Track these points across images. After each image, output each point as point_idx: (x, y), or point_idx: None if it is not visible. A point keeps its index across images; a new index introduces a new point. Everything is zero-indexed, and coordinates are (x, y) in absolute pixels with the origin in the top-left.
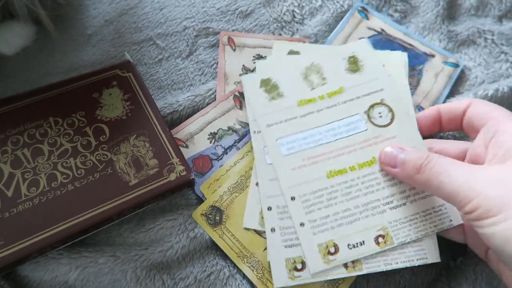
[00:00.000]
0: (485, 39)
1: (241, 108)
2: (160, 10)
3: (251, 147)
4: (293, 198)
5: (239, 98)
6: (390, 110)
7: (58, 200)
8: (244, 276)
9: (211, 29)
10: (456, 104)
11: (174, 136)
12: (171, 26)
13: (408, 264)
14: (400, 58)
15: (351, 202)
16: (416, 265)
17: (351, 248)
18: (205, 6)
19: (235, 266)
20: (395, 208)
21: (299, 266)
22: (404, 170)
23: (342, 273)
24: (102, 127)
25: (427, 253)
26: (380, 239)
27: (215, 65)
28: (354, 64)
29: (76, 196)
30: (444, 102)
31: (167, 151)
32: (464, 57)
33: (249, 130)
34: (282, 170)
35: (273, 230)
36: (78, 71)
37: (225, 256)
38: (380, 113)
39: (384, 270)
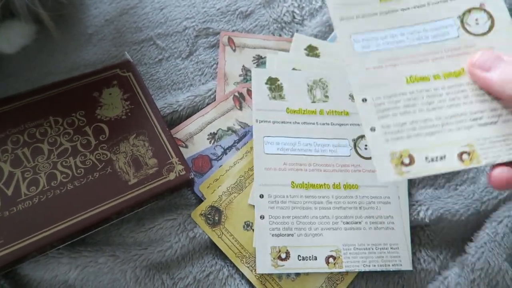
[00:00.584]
0: None
1: (240, 108)
2: (161, 10)
3: (251, 147)
4: (364, 100)
5: (239, 99)
6: (490, 17)
7: (58, 199)
8: (243, 276)
9: (211, 30)
10: None
11: (173, 136)
12: (171, 26)
13: (384, 268)
14: None
15: (432, 113)
16: (391, 270)
17: (429, 162)
18: (205, 6)
19: (234, 266)
20: (485, 126)
21: (283, 256)
22: (503, 73)
23: (323, 268)
24: (102, 126)
25: (402, 261)
26: (465, 156)
27: (215, 65)
28: None
29: (76, 195)
30: None
31: (166, 151)
32: None
33: (248, 130)
34: (353, 69)
35: (262, 217)
36: (79, 71)
37: (224, 256)
38: (477, 19)
39: (362, 270)
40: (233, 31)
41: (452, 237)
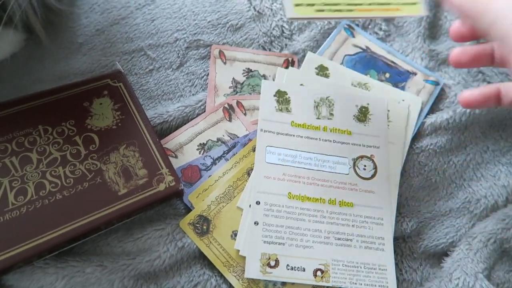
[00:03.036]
0: None
1: (230, 120)
2: (152, 21)
3: (240, 158)
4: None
5: (229, 110)
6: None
7: (46, 209)
8: (230, 286)
9: (201, 42)
10: None
11: (163, 146)
12: (162, 37)
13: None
14: (415, 103)
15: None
16: None
17: (289, 270)
18: (196, 18)
19: (221, 276)
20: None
21: (272, 263)
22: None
23: (310, 280)
24: (92, 136)
25: (389, 283)
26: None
27: (205, 76)
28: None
29: (65, 205)
30: (424, 118)
31: (156, 162)
32: (444, 75)
33: (237, 141)
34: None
35: (256, 223)
36: (68, 79)
37: (212, 266)
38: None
39: (348, 287)
40: (224, 43)
41: (431, 249)
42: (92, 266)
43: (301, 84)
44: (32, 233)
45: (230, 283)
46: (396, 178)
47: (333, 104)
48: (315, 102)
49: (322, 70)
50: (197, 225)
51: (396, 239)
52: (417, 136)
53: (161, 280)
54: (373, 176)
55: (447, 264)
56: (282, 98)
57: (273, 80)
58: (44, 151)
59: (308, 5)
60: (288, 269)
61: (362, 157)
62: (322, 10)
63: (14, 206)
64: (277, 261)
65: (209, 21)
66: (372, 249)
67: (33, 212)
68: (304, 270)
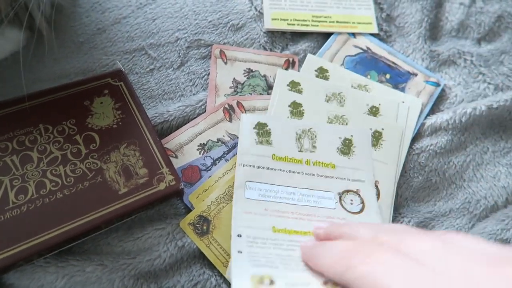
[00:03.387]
0: (465, 60)
1: (230, 120)
2: (153, 20)
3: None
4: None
5: (229, 111)
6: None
7: (47, 208)
8: (230, 286)
9: (202, 41)
10: None
11: (164, 146)
12: (163, 37)
13: None
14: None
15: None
16: None
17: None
18: (197, 18)
19: (221, 275)
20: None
21: (266, 282)
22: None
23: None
24: (93, 135)
25: None
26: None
27: (206, 76)
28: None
29: (65, 204)
30: (424, 119)
31: (157, 161)
32: (445, 76)
33: (237, 142)
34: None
35: (240, 252)
36: (69, 78)
37: (212, 266)
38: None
39: None
40: (224, 43)
41: None
42: (92, 265)
43: (298, 87)
44: (33, 231)
45: (230, 283)
46: (390, 199)
47: (315, 136)
48: (296, 134)
49: (322, 72)
50: (197, 225)
51: None
52: (417, 136)
53: (161, 280)
54: (361, 210)
55: None
56: (262, 130)
57: (273, 80)
58: (44, 150)
59: (282, 19)
60: (289, 286)
61: (347, 191)
62: (293, 24)
63: (14, 205)
64: (272, 281)
65: (210, 21)
66: None
67: (34, 210)
68: (309, 284)
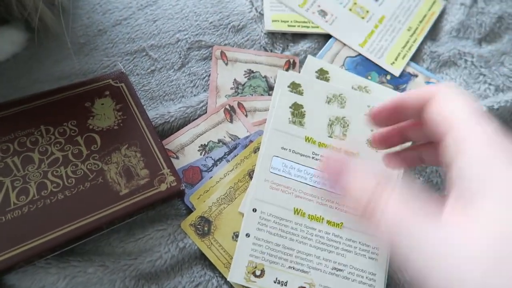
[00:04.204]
0: (465, 60)
1: (231, 121)
2: (154, 22)
3: (241, 160)
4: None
5: (230, 112)
6: None
7: (48, 209)
8: (232, 287)
9: (203, 42)
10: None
11: (165, 147)
12: (164, 38)
13: None
14: None
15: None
16: None
17: (273, 282)
18: (198, 19)
19: (223, 276)
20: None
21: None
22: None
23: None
24: (94, 136)
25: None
26: None
27: (206, 77)
28: None
29: (66, 205)
30: None
31: (158, 162)
32: (446, 77)
33: (238, 143)
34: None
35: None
36: (69, 80)
37: (213, 267)
38: None
39: None
40: (225, 44)
41: None
42: (93, 266)
43: (297, 88)
44: (34, 233)
45: (231, 284)
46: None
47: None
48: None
49: (322, 74)
50: (198, 226)
51: None
52: None
53: (163, 281)
54: None
55: None
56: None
57: (274, 81)
58: (46, 151)
59: (283, 21)
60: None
61: None
62: (294, 26)
63: (16, 206)
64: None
65: (210, 22)
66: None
67: (35, 212)
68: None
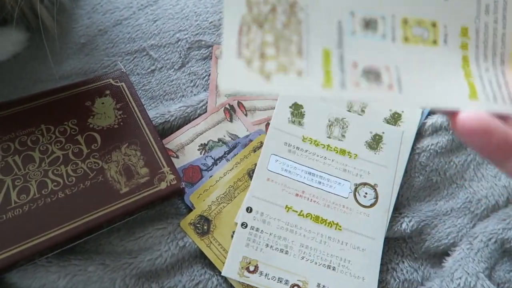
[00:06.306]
0: None
1: (231, 120)
2: (154, 21)
3: (240, 159)
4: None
5: (230, 111)
6: (376, 197)
7: (48, 208)
8: (231, 286)
9: (203, 42)
10: None
11: (165, 146)
12: (164, 38)
13: None
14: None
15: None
16: None
17: (267, 278)
18: (198, 19)
19: (222, 275)
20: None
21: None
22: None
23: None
24: (94, 135)
25: None
26: None
27: (206, 77)
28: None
29: (67, 204)
30: (425, 119)
31: (158, 160)
32: None
33: (238, 142)
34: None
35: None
36: (70, 79)
37: (213, 266)
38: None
39: None
40: None
41: (433, 249)
42: (94, 265)
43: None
44: (34, 231)
45: (230, 283)
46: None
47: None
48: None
49: (296, 109)
50: (198, 225)
51: (396, 239)
52: (418, 136)
53: (163, 279)
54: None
55: (448, 263)
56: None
57: None
58: (46, 150)
59: None
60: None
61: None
62: None
63: (16, 205)
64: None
65: (211, 22)
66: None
67: (35, 210)
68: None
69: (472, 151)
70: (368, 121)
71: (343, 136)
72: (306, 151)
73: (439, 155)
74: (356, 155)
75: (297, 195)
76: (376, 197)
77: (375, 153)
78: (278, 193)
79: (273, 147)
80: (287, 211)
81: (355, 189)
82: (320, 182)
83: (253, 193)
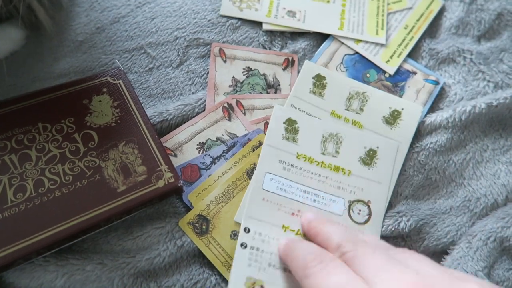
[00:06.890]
0: (464, 58)
1: (229, 119)
2: (152, 19)
3: (239, 158)
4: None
5: (228, 110)
6: (369, 213)
7: (45, 206)
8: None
9: (201, 40)
10: None
11: (163, 144)
12: (162, 36)
13: None
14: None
15: None
16: None
17: None
18: (196, 17)
19: (221, 275)
20: None
21: None
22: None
23: None
24: (91, 133)
25: None
26: None
27: (205, 75)
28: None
29: (64, 202)
30: (424, 117)
31: (155, 158)
32: (445, 74)
33: (237, 141)
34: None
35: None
36: (68, 77)
37: (211, 265)
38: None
39: None
40: (224, 42)
41: (431, 248)
42: (92, 264)
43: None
44: (31, 230)
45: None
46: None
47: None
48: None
49: (319, 80)
50: (196, 224)
51: (395, 238)
52: (417, 135)
53: (161, 278)
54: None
55: (447, 262)
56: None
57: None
58: (43, 148)
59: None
60: None
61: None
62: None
63: (13, 203)
64: None
65: (209, 20)
66: None
67: (32, 209)
68: None
69: (472, 150)
70: (363, 135)
71: (337, 152)
72: (301, 168)
73: (438, 153)
74: (350, 172)
75: (293, 214)
76: (370, 214)
77: (369, 169)
78: (274, 213)
79: (267, 165)
80: (284, 230)
81: (349, 206)
82: (315, 200)
83: (250, 213)
